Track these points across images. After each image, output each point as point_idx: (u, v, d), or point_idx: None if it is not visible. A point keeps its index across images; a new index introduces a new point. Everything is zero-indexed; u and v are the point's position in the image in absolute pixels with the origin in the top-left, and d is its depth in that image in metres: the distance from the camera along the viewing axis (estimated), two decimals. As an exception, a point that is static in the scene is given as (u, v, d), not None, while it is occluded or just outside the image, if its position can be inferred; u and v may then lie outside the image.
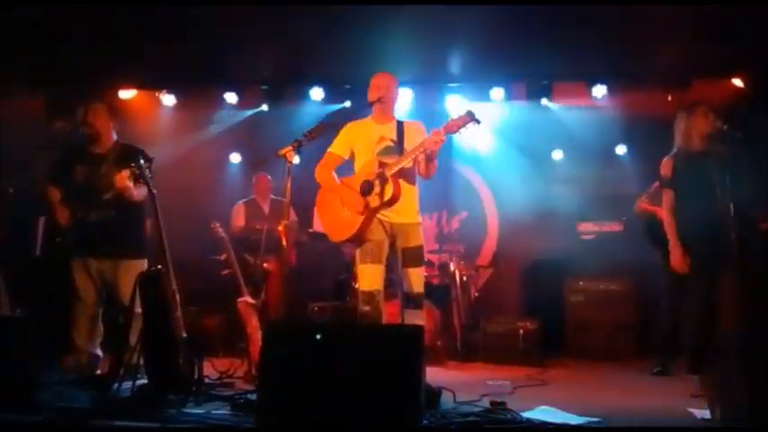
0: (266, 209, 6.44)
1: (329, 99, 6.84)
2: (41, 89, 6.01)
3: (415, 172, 4.05)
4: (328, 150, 4.16)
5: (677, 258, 4.40)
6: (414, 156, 3.87)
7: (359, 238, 3.96)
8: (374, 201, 3.89)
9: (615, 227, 6.55)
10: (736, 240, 3.99)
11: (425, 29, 5.49)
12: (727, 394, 2.88)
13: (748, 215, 4.31)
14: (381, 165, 3.93)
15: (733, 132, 4.21)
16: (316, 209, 4.20)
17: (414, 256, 3.98)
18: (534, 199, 6.93)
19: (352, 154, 4.15)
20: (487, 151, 7.27)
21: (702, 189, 4.20)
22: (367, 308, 3.90)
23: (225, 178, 7.48)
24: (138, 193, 4.35)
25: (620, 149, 7.05)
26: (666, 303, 4.99)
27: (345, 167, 4.20)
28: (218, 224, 5.32)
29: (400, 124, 4.11)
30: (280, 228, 5.62)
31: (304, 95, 6.85)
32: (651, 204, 5.27)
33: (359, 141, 4.10)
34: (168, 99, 6.83)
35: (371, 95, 4.07)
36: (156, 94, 6.83)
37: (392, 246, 4.00)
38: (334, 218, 4.04)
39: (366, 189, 3.92)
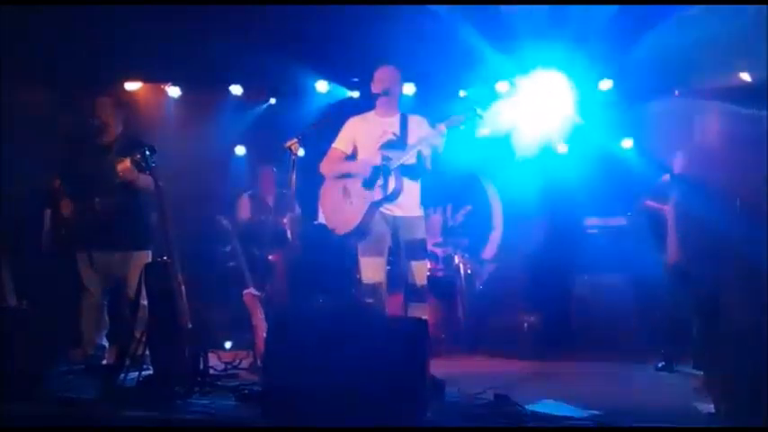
0: (271, 201, 6.45)
1: (335, 91, 6.83)
2: (48, 82, 6.02)
3: (419, 166, 4.04)
4: (332, 146, 4.16)
5: (673, 251, 4.44)
6: (415, 151, 3.87)
7: (361, 231, 3.96)
8: (377, 194, 3.89)
9: (620, 221, 6.53)
10: (742, 236, 3.98)
11: (428, 22, 5.48)
12: (732, 390, 2.88)
13: (755, 211, 4.31)
14: (385, 158, 3.92)
15: (742, 128, 4.20)
16: (319, 202, 4.21)
17: (416, 249, 3.99)
18: (539, 193, 6.92)
19: (355, 148, 4.15)
20: (493, 144, 7.25)
21: (711, 185, 4.19)
22: (369, 300, 3.91)
23: (230, 171, 7.48)
24: (142, 180, 4.35)
25: (627, 143, 7.03)
26: (671, 299, 4.98)
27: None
28: (223, 216, 5.32)
29: (404, 117, 4.10)
30: (285, 220, 5.67)
31: (310, 88, 6.84)
32: (656, 201, 5.25)
33: (361, 135, 4.10)
34: (174, 91, 6.83)
35: (375, 88, 4.07)
36: (162, 87, 6.82)
37: (395, 239, 4.00)
38: (337, 211, 4.05)
39: (369, 182, 3.91)
